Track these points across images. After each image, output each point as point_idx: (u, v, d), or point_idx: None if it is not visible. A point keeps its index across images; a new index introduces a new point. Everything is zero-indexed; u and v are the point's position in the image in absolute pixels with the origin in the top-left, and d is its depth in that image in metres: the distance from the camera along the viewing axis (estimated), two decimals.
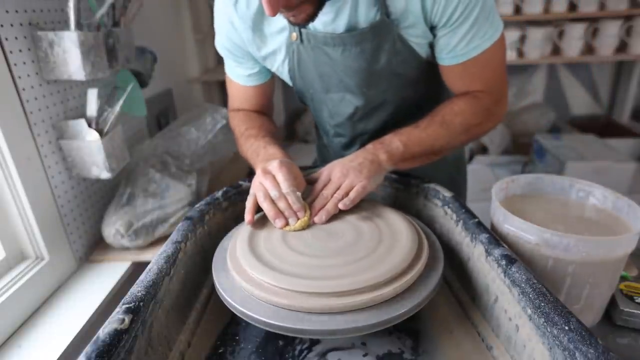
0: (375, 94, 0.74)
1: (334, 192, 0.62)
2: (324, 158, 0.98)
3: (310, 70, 0.73)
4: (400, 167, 0.68)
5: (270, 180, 0.61)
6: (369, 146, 0.67)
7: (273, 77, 0.85)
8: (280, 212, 0.59)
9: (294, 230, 0.59)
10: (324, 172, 0.66)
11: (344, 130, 0.83)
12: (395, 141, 0.67)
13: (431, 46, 0.70)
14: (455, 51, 0.66)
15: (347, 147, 0.86)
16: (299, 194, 0.60)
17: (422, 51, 0.69)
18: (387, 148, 0.66)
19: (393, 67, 0.70)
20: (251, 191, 0.63)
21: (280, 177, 0.61)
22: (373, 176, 0.64)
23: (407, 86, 0.74)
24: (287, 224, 0.59)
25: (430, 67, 0.72)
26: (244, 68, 0.80)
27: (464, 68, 0.68)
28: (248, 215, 0.61)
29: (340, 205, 0.60)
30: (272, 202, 0.60)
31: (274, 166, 0.62)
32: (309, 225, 0.60)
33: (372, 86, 0.72)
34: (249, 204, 0.62)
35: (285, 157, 0.68)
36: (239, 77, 0.82)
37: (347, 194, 0.61)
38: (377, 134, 0.76)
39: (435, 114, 0.70)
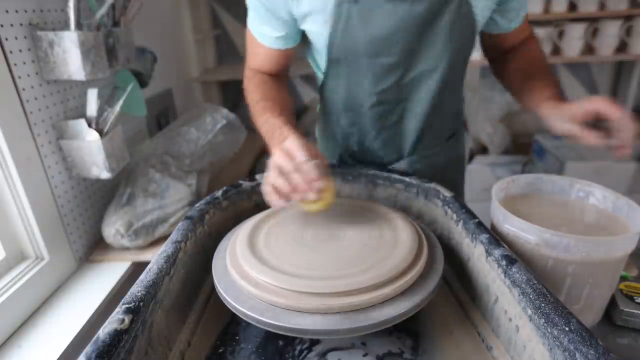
0: (430, 57, 0.71)
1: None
2: (326, 150, 0.93)
3: (358, 33, 0.68)
4: None
5: (283, 154, 0.57)
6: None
7: (298, 44, 0.79)
8: (295, 187, 0.55)
9: (316, 210, 0.56)
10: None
11: (387, 96, 0.77)
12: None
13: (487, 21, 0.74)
14: (524, 9, 0.77)
15: (386, 115, 0.79)
16: (316, 162, 0.55)
17: (479, 23, 0.71)
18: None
19: (452, 31, 0.69)
20: (266, 174, 0.60)
21: (294, 147, 0.57)
22: None
23: (457, 58, 0.74)
24: (303, 198, 0.55)
25: (469, 52, 0.76)
26: (271, 28, 0.73)
27: (522, 24, 0.79)
28: (272, 199, 0.57)
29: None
30: (285, 180, 0.56)
31: (289, 140, 0.59)
32: (329, 205, 0.56)
33: (430, 47, 0.70)
34: (267, 188, 0.58)
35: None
36: (264, 37, 0.75)
37: None
38: (421, 102, 0.76)
39: (539, 67, 0.78)
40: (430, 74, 0.73)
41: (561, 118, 0.63)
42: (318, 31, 0.71)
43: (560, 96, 0.68)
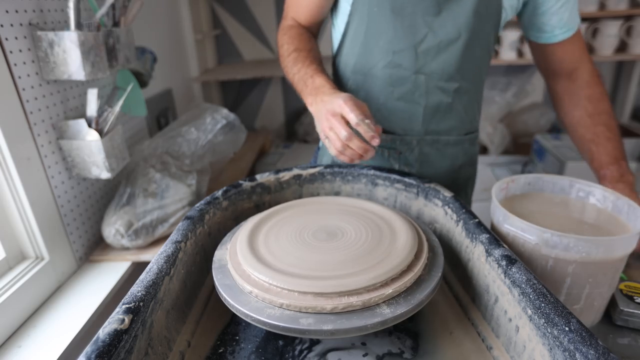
0: (451, 23, 0.71)
1: None
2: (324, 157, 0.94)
3: None
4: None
5: (338, 120, 0.61)
6: (619, 186, 0.67)
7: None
8: (356, 152, 0.60)
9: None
10: None
11: (403, 59, 0.75)
12: (622, 163, 0.70)
13: (510, 19, 0.75)
14: (568, 25, 0.73)
15: (397, 82, 0.78)
16: (368, 122, 0.60)
17: (505, 14, 0.71)
18: (628, 173, 0.69)
19: (476, 6, 0.69)
20: (321, 135, 0.66)
21: (347, 109, 0.61)
22: None
23: (479, 36, 0.73)
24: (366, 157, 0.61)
25: (493, 42, 0.76)
26: None
27: (574, 41, 0.75)
28: (341, 158, 0.64)
29: None
30: (345, 144, 0.61)
31: (339, 104, 0.62)
32: None
33: (454, 14, 0.70)
34: (333, 152, 0.64)
35: (333, 88, 0.68)
36: None
37: None
38: (436, 76, 0.75)
39: (600, 111, 0.75)
40: (450, 45, 0.73)
41: None
42: None
43: (620, 170, 0.68)
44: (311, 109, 0.69)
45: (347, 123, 0.61)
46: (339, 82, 0.85)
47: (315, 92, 0.68)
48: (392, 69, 0.77)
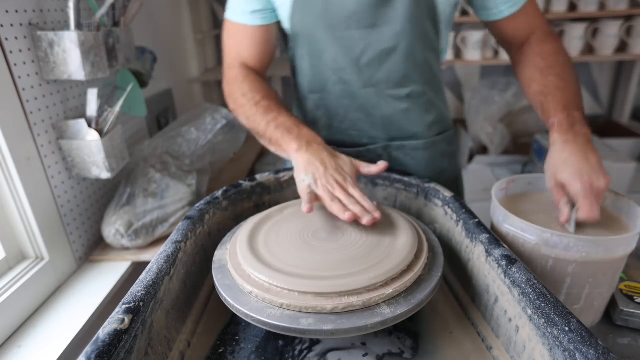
0: (387, 32, 0.71)
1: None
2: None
3: (319, 3, 0.69)
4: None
5: (341, 191, 0.59)
6: (569, 137, 0.61)
7: (276, 24, 0.79)
8: (352, 213, 0.56)
9: None
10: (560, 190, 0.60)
11: (348, 75, 0.76)
12: (574, 113, 0.63)
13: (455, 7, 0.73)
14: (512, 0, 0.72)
15: (350, 96, 0.78)
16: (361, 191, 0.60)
17: (441, 9, 0.71)
18: (581, 124, 0.62)
19: (411, 6, 0.68)
20: (306, 182, 0.60)
21: (347, 171, 0.61)
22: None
23: (419, 40, 0.72)
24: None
25: (438, 41, 0.74)
26: (248, 3, 0.74)
27: (524, 12, 0.74)
28: (306, 206, 0.58)
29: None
30: (342, 203, 0.58)
31: (347, 180, 0.60)
32: None
33: (385, 21, 0.70)
34: (305, 195, 0.59)
35: (321, 141, 0.66)
36: (243, 14, 0.75)
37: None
38: (383, 86, 0.75)
39: (552, 64, 0.71)
40: (390, 54, 0.72)
41: (549, 172, 0.61)
42: (283, 3, 0.72)
43: (568, 126, 0.62)
44: (296, 154, 0.64)
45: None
46: (300, 102, 0.85)
47: (305, 139, 0.65)
48: (341, 85, 0.77)
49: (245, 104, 0.73)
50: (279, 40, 0.83)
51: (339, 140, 0.83)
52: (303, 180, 0.60)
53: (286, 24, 0.75)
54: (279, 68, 1.87)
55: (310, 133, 0.67)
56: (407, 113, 0.79)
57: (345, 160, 0.64)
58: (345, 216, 0.55)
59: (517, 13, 0.75)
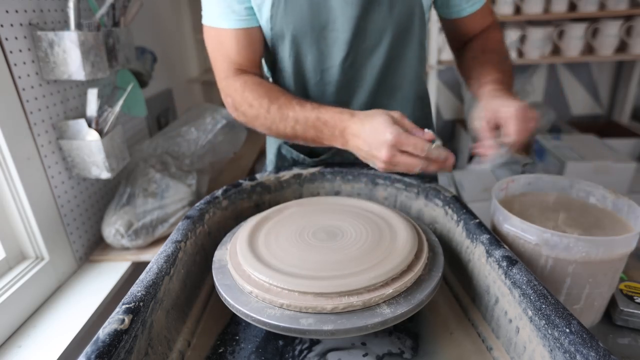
0: (371, 31, 0.70)
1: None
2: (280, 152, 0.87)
3: (301, 5, 0.66)
4: None
5: (400, 157, 0.58)
6: (506, 91, 0.64)
7: (258, 28, 0.73)
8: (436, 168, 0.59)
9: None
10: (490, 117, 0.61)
11: (331, 76, 0.73)
12: (509, 82, 0.68)
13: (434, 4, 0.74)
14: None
15: (330, 96, 0.76)
16: (435, 144, 0.58)
17: (426, 4, 0.71)
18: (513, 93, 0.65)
19: (394, 2, 0.68)
20: (381, 167, 0.60)
21: (404, 142, 0.57)
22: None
23: (402, 37, 0.72)
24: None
25: (422, 35, 0.75)
26: (230, 7, 0.69)
27: (481, 10, 0.77)
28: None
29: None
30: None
31: (390, 140, 0.57)
32: None
33: (370, 19, 0.69)
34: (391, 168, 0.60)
35: (343, 113, 0.64)
36: (226, 18, 0.69)
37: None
38: (367, 85, 0.75)
39: (491, 52, 0.75)
40: (373, 51, 0.72)
41: (479, 112, 0.63)
42: (261, 4, 0.67)
43: (502, 86, 0.66)
44: (349, 148, 0.64)
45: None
46: None
47: (336, 131, 0.63)
48: (323, 86, 0.75)
49: (257, 115, 0.69)
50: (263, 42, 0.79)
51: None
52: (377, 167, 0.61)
53: (266, 26, 0.71)
54: None
55: (329, 116, 0.64)
56: (389, 108, 0.77)
57: (388, 137, 0.59)
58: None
59: (476, 13, 0.77)
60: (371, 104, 0.77)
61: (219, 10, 0.69)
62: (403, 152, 0.58)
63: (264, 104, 0.68)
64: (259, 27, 0.73)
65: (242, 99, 0.70)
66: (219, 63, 0.73)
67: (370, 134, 0.60)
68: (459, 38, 0.83)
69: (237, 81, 0.71)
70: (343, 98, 0.77)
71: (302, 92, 0.78)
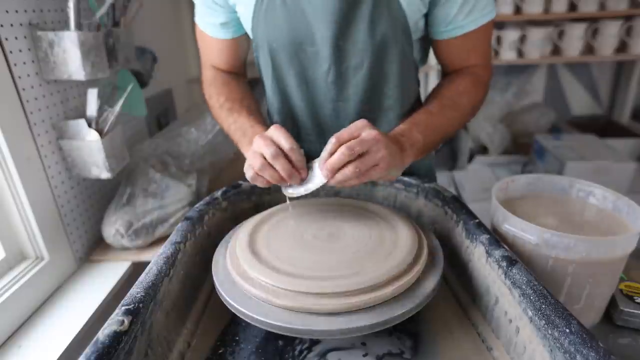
0: (351, 50, 0.67)
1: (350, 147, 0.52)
2: None
3: (279, 18, 0.66)
4: (416, 159, 0.62)
5: (264, 141, 0.56)
6: (393, 133, 0.60)
7: (244, 36, 0.77)
8: (278, 174, 0.55)
9: (297, 198, 0.57)
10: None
11: (316, 91, 0.73)
12: (414, 133, 0.61)
13: (425, 21, 0.69)
14: (454, 23, 0.66)
15: (318, 111, 0.76)
16: (302, 151, 0.56)
17: (412, 21, 0.66)
18: (410, 140, 0.60)
19: (373, 23, 0.65)
20: (247, 164, 0.59)
21: (278, 135, 0.56)
22: (394, 162, 0.55)
23: (386, 55, 0.68)
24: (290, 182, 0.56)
25: (411, 53, 0.70)
26: (214, 16, 0.73)
27: (463, 41, 0.68)
28: (257, 183, 0.58)
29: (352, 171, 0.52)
30: (271, 166, 0.55)
31: (270, 130, 0.57)
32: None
33: (349, 40, 0.66)
34: (249, 174, 0.58)
35: None
36: (210, 26, 0.75)
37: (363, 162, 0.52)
38: (352, 104, 0.72)
39: (442, 97, 0.68)
40: (356, 71, 0.69)
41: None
42: (244, 14, 0.69)
43: (407, 130, 0.61)
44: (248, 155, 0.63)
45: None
46: (270, 116, 0.82)
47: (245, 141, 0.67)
48: (307, 101, 0.75)
49: (213, 105, 0.77)
50: (249, 47, 0.80)
51: (306, 150, 0.76)
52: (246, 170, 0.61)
53: (250, 34, 0.73)
54: None
55: (260, 131, 0.65)
56: (379, 126, 0.73)
57: (272, 128, 0.59)
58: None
59: (456, 40, 0.69)
60: (360, 117, 0.74)
61: (199, 16, 0.77)
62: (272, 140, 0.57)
63: (221, 100, 0.75)
64: (242, 36, 0.77)
65: (207, 90, 0.80)
66: (202, 55, 0.83)
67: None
68: (440, 62, 0.76)
69: (210, 75, 0.81)
70: (330, 114, 0.75)
71: (285, 101, 0.76)
